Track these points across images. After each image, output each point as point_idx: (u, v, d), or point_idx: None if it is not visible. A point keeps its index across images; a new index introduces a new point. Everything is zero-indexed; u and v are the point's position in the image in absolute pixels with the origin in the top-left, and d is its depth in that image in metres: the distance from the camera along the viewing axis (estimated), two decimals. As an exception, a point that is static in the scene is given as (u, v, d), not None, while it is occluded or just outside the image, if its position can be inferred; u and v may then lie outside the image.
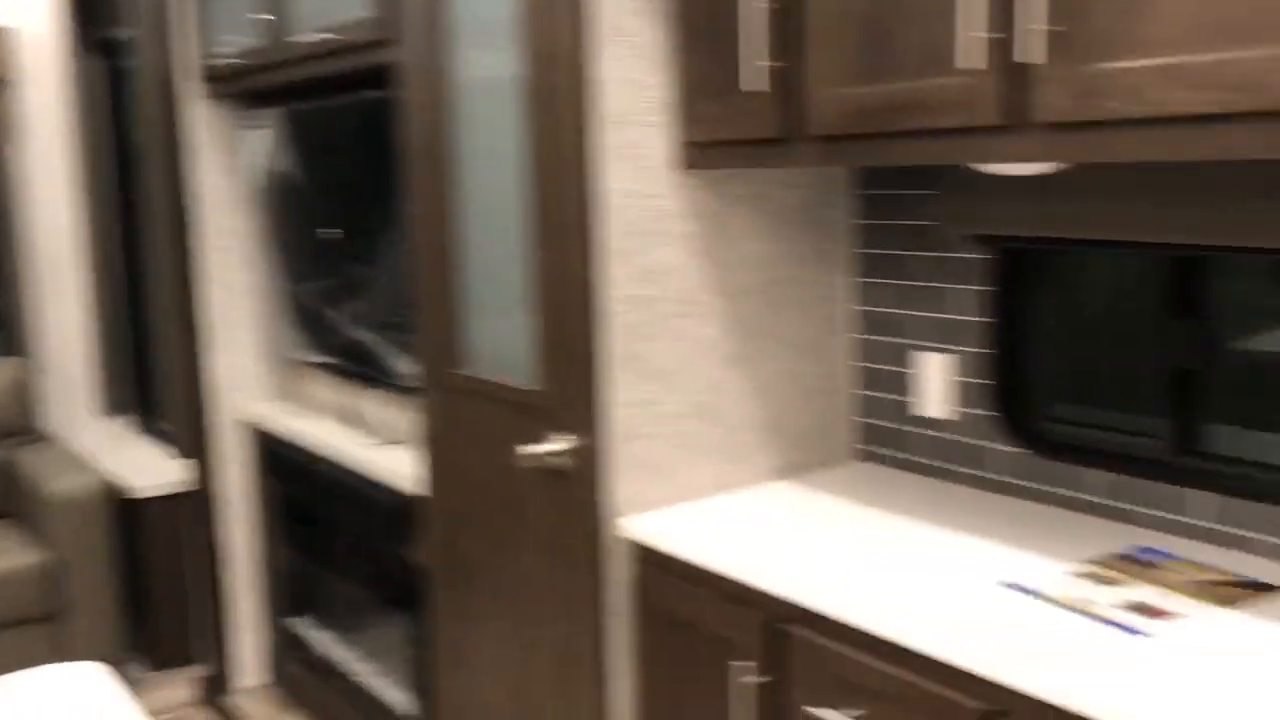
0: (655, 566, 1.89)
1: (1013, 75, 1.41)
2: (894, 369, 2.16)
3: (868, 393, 2.22)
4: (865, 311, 2.19)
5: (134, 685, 3.66)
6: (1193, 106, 1.24)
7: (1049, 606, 1.51)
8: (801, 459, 2.18)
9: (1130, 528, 1.81)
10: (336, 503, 2.95)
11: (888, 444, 2.19)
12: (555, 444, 1.99)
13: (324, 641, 3.20)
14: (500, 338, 2.16)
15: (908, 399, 2.14)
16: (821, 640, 1.60)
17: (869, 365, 2.21)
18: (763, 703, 1.70)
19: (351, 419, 3.07)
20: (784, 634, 1.66)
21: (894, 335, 2.15)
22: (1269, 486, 1.67)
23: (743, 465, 2.09)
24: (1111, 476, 1.83)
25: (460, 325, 2.26)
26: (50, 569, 3.40)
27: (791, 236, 2.11)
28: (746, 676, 1.72)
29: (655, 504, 1.97)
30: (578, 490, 1.97)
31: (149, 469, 3.80)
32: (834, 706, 1.59)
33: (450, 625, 2.44)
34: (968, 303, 2.01)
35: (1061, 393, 1.98)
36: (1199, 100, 1.23)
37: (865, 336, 2.20)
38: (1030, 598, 1.54)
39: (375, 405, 2.94)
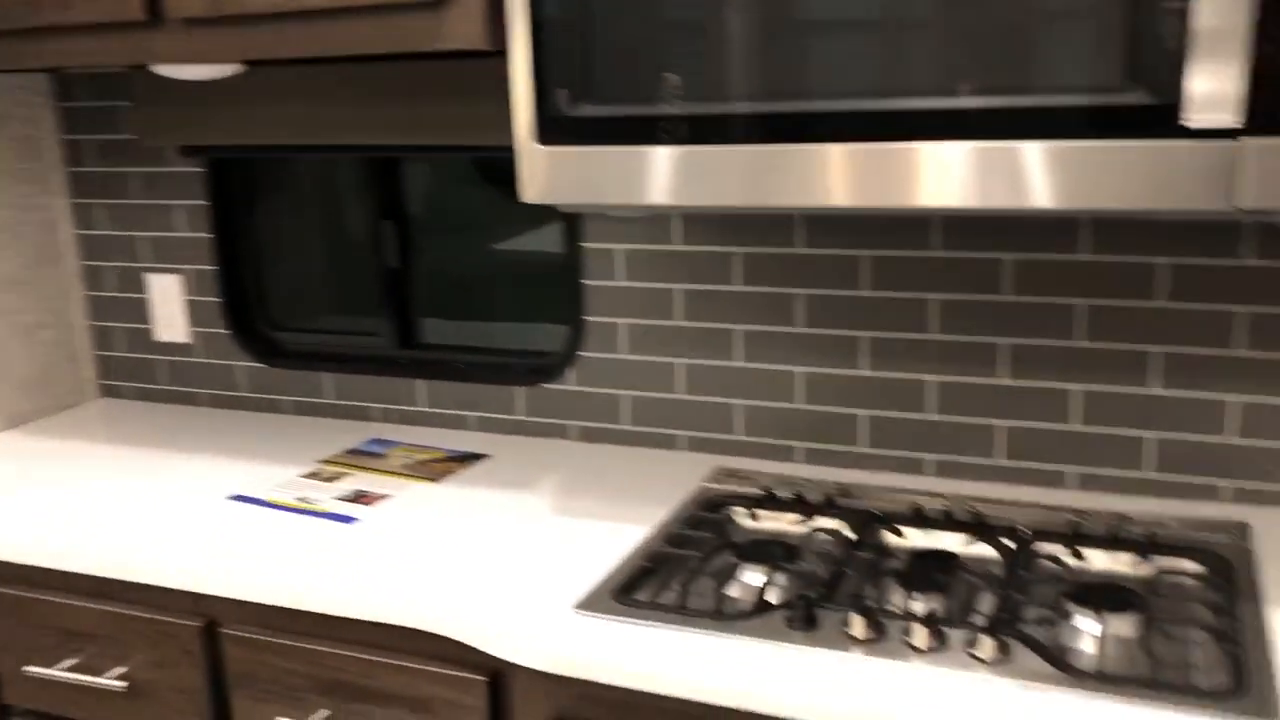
0: None
1: (146, -34, 1.34)
2: (128, 295, 2.02)
3: (103, 323, 2.06)
4: (88, 235, 2.02)
5: None
6: (317, 1, 1.26)
7: (271, 512, 1.51)
8: (30, 405, 1.96)
9: (366, 424, 1.88)
10: None
11: (131, 375, 2.06)
12: None
13: None
14: None
15: (146, 326, 2.02)
16: (33, 596, 1.46)
17: (100, 294, 2.04)
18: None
19: None
20: (-7, 598, 1.49)
21: (123, 259, 2.00)
22: (468, 367, 1.83)
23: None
24: (343, 377, 1.89)
25: None
26: None
27: (-17, 157, 1.86)
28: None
29: None
30: None
31: None
32: (53, 661, 1.47)
33: None
34: (190, 219, 1.93)
35: (290, 302, 2.00)
36: (320, -6, 1.26)
37: (92, 263, 2.03)
38: (254, 506, 1.53)
39: None
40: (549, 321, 1.82)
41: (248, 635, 1.35)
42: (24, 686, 1.50)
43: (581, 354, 1.71)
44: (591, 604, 1.21)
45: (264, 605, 1.34)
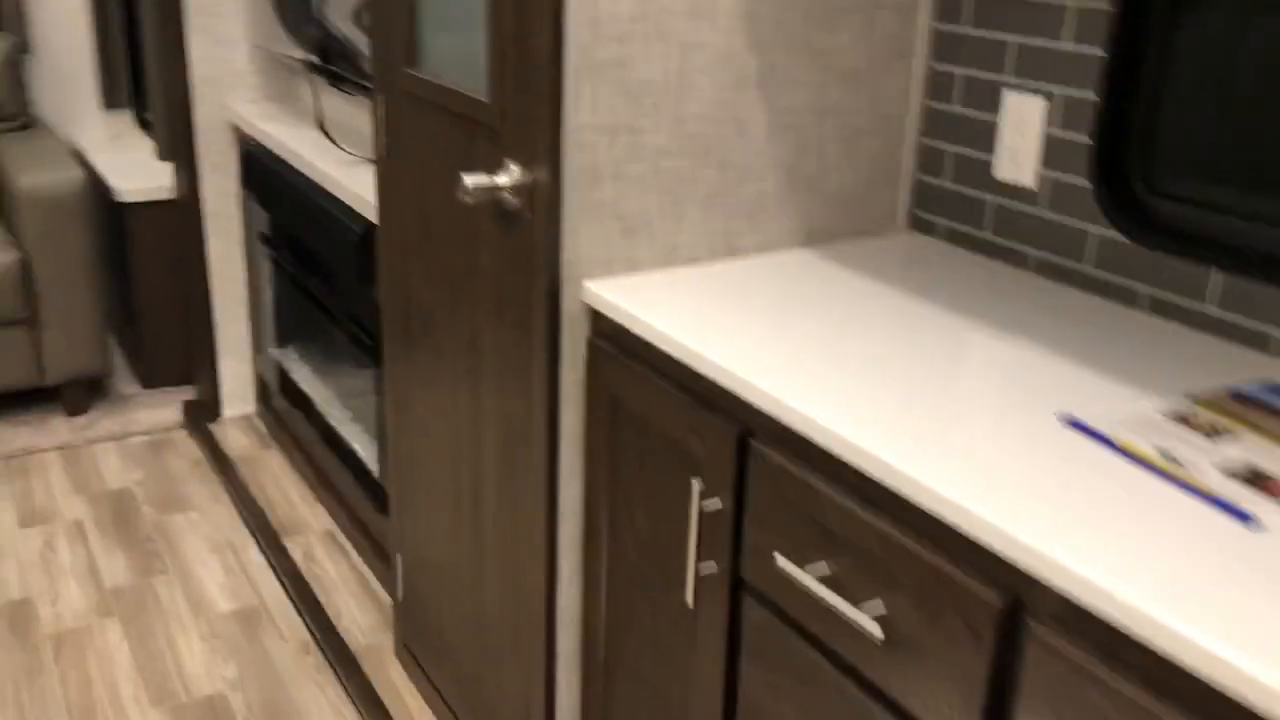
0: (613, 343, 1.54)
1: None
2: (973, 114, 1.68)
3: (935, 143, 1.74)
4: (945, 31, 1.69)
5: (124, 401, 3.39)
6: None
7: (1118, 460, 1.08)
8: (836, 221, 1.74)
9: (1262, 357, 1.38)
10: (311, 226, 2.50)
11: (950, 212, 1.74)
12: (504, 176, 1.56)
13: (306, 377, 2.86)
14: (459, 24, 1.66)
15: (985, 156, 1.68)
16: (789, 466, 1.22)
17: (941, 106, 1.72)
18: (722, 533, 1.34)
19: (337, 128, 2.55)
20: (759, 454, 1.26)
21: (978, 66, 1.67)
22: None
23: (753, 224, 1.67)
24: (1237, 281, 1.41)
25: (418, 7, 1.74)
26: (24, 269, 3.11)
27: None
28: (709, 500, 1.37)
29: (629, 265, 1.59)
30: (530, 237, 1.57)
31: (139, 170, 3.36)
32: (803, 559, 1.22)
33: (400, 378, 2.06)
34: (1080, 26, 1.51)
35: (1183, 157, 1.44)
36: None
37: (941, 66, 1.72)
38: (1094, 443, 1.12)
39: (358, 113, 2.41)
40: None
41: (1058, 642, 0.94)
42: (767, 570, 1.29)
43: None
44: None
45: (1090, 609, 0.92)
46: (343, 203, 2.35)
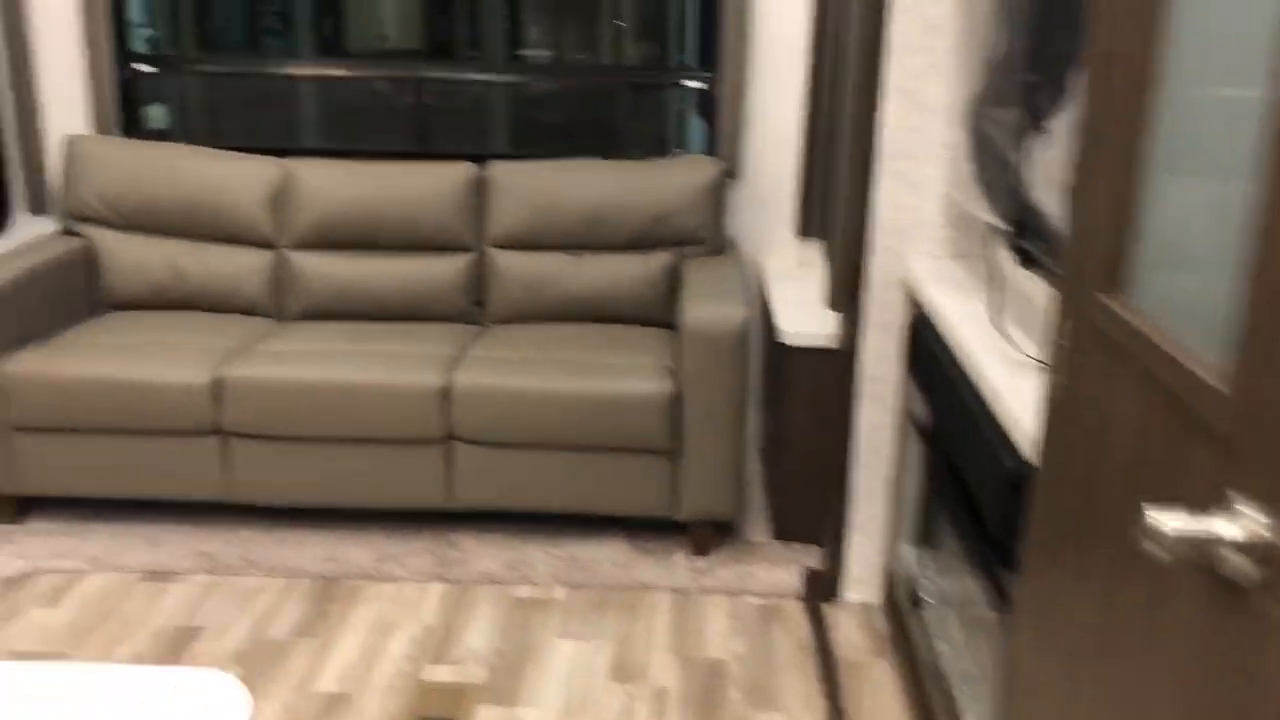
0: None
1: None
2: None
3: None
4: None
5: (749, 549, 3.22)
6: None
7: None
8: None
9: None
10: (959, 430, 2.08)
11: None
12: (1227, 522, 0.92)
13: (934, 595, 2.46)
14: (1199, 247, 1.07)
15: None
16: None
17: None
18: None
19: (1020, 312, 2.14)
20: None
21: None
22: None
23: None
24: None
25: (1133, 214, 1.18)
26: (675, 401, 3.01)
27: None
28: None
29: None
30: (1265, 649, 0.89)
31: (809, 310, 3.21)
32: None
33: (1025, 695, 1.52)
34: None
35: None
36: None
37: None
38: None
39: (1043, 300, 1.98)
40: None
41: None
42: None
43: None
44: None
45: None
46: (996, 419, 1.81)
